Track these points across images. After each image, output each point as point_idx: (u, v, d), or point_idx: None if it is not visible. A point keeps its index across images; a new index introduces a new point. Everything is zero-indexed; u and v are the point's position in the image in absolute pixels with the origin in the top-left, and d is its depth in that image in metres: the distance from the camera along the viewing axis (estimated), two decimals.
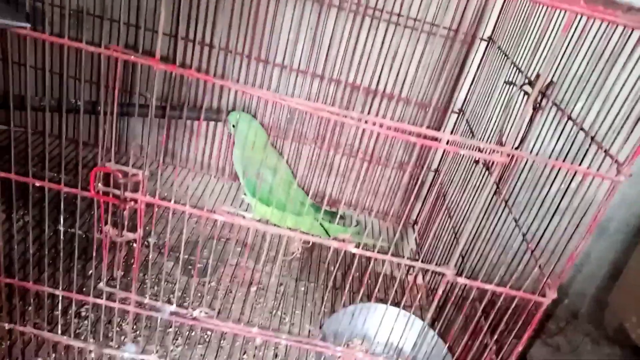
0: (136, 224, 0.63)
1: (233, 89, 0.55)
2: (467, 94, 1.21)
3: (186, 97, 1.25)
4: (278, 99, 0.53)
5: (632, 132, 0.62)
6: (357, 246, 0.64)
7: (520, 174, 0.85)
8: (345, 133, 1.28)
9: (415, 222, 1.36)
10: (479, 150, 0.59)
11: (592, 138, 0.68)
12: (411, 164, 1.33)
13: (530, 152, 0.85)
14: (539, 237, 0.74)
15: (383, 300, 1.06)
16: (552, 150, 0.88)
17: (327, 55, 1.19)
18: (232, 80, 1.20)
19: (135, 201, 0.61)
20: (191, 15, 1.16)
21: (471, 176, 1.04)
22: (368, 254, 0.65)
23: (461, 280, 0.65)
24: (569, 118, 0.73)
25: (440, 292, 0.67)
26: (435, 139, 0.56)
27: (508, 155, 0.57)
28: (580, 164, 0.70)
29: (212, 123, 1.29)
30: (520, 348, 0.71)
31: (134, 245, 0.65)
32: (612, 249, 1.42)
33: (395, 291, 1.07)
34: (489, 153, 0.59)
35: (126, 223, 0.63)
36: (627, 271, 1.38)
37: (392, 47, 1.17)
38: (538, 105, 0.81)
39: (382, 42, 1.16)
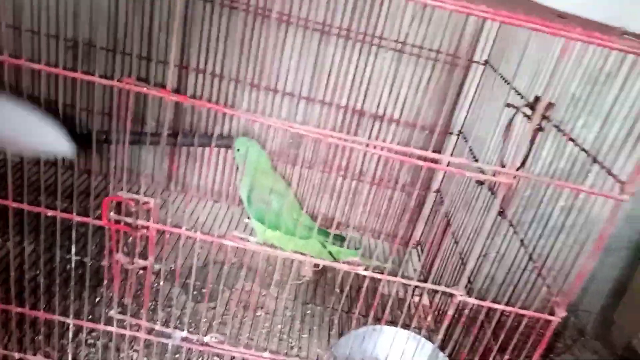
0: (147, 251, 0.64)
1: (243, 118, 0.56)
2: (466, 116, 1.23)
3: (197, 125, 1.26)
4: (287, 127, 0.55)
5: (633, 150, 0.63)
6: (366, 269, 0.65)
7: (523, 195, 0.87)
8: (347, 156, 1.29)
9: (419, 243, 1.37)
10: (482, 172, 0.60)
11: (595, 159, 0.69)
12: (411, 185, 1.34)
13: (532, 172, 0.86)
14: (545, 256, 0.75)
15: (392, 323, 1.05)
16: (555, 170, 0.90)
17: (328, 81, 1.21)
18: (240, 108, 1.23)
19: (147, 229, 0.62)
20: (197, 44, 1.18)
21: (474, 197, 1.05)
22: (378, 276, 0.65)
23: (471, 300, 0.66)
24: (571, 139, 0.75)
25: (450, 312, 0.67)
26: (436, 161, 0.57)
27: (513, 177, 0.58)
28: (582, 183, 0.71)
29: (221, 150, 1.30)
30: None
31: (142, 272, 0.66)
32: (616, 266, 1.43)
33: (404, 313, 1.07)
34: (494, 175, 0.60)
35: (137, 251, 0.63)
36: (632, 287, 1.38)
37: (391, 72, 1.19)
38: (539, 126, 0.83)
39: (382, 68, 1.18)
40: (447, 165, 0.63)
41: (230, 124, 1.28)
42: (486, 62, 1.18)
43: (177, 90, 0.56)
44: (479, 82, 1.20)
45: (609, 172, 0.64)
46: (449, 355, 0.88)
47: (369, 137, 1.26)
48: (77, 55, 0.56)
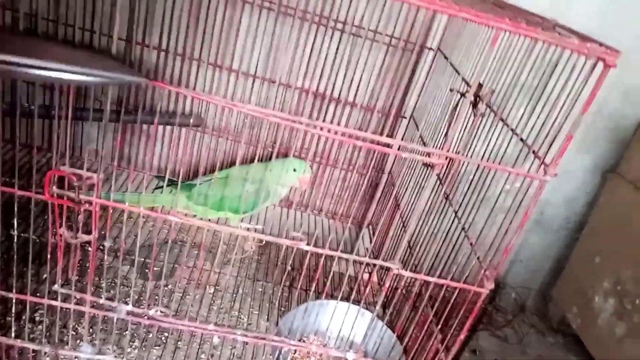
0: (91, 227, 0.65)
1: (187, 95, 0.57)
2: (417, 100, 1.26)
3: (155, 104, 1.25)
4: (229, 105, 0.56)
5: (557, 135, 0.67)
6: (309, 243, 0.67)
7: (464, 176, 0.91)
8: (302, 138, 1.31)
9: (371, 222, 1.41)
10: (419, 153, 0.63)
11: (522, 140, 0.73)
12: (365, 167, 1.38)
13: (471, 155, 0.90)
14: (479, 233, 0.79)
15: (335, 297, 1.09)
16: (497, 155, 0.94)
17: (285, 63, 1.22)
18: (192, 88, 1.23)
19: (90, 203, 0.62)
20: (148, 21, 1.17)
21: (422, 179, 1.09)
22: (320, 251, 0.68)
23: (406, 273, 0.70)
24: (502, 120, 0.79)
25: (387, 284, 0.71)
26: (377, 143, 0.60)
27: (446, 157, 0.62)
28: (521, 167, 0.75)
29: (167, 127, 1.29)
30: (462, 336, 0.75)
31: (89, 248, 0.66)
32: (555, 245, 1.52)
33: (350, 288, 1.11)
34: (429, 156, 0.63)
35: (81, 225, 0.64)
36: (569, 265, 1.47)
37: (346, 56, 1.21)
38: (478, 111, 0.87)
39: (338, 51, 1.20)
40: (389, 147, 0.65)
41: (184, 103, 1.28)
42: (437, 49, 1.22)
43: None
44: (430, 68, 1.23)
45: (534, 153, 0.68)
46: (391, 326, 0.92)
47: (324, 120, 1.28)
48: (18, 25, 0.55)
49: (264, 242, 1.20)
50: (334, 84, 1.23)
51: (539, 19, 0.72)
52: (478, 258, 0.73)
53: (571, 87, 0.70)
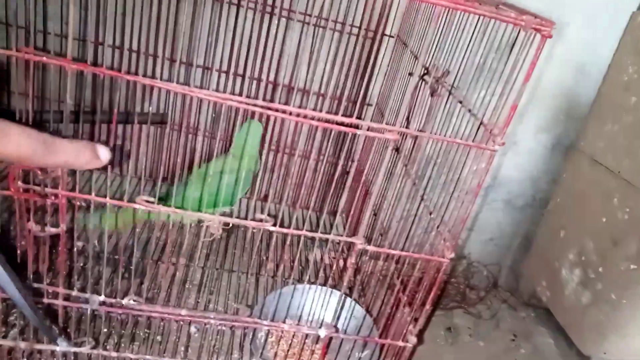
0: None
1: (142, 82, 0.59)
2: (381, 87, 1.30)
3: (99, 100, 1.25)
4: (185, 91, 0.58)
5: (503, 106, 0.70)
6: (275, 225, 0.70)
7: (431, 159, 0.94)
8: (272, 129, 1.33)
9: (343, 211, 1.44)
10: (372, 129, 0.66)
11: (471, 111, 0.76)
12: (335, 157, 1.40)
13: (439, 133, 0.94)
14: (440, 208, 0.82)
15: (308, 281, 1.12)
16: (457, 134, 0.98)
17: (248, 55, 1.24)
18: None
19: (56, 196, 0.63)
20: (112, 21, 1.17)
21: (390, 164, 1.12)
22: (285, 230, 0.70)
23: (370, 247, 0.72)
24: (450, 93, 0.82)
25: (352, 260, 0.73)
26: (343, 124, 0.63)
27: (398, 133, 0.65)
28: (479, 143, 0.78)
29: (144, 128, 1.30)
30: (428, 306, 0.79)
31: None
32: (523, 222, 1.57)
33: (324, 272, 1.13)
34: (383, 132, 0.66)
35: (49, 218, 0.65)
36: (536, 241, 1.52)
37: (307, 46, 1.23)
38: (435, 91, 0.90)
39: (300, 42, 1.22)
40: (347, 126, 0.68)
41: (150, 100, 1.29)
42: (397, 36, 1.25)
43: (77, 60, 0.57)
44: (390, 55, 1.27)
45: (482, 124, 0.71)
46: (364, 304, 0.95)
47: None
48: None
49: (230, 225, 1.22)
50: (299, 75, 1.26)
51: None
52: (437, 227, 0.76)
53: (521, 62, 0.73)
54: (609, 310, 1.20)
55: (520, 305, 1.49)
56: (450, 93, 0.85)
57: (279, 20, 1.21)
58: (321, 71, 1.25)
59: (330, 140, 1.37)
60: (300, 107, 0.61)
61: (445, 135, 0.90)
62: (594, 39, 1.33)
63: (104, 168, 0.49)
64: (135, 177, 1.32)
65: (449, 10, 0.87)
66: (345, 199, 1.43)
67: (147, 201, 0.65)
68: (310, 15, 1.21)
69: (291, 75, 1.26)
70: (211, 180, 1.14)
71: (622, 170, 1.24)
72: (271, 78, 1.27)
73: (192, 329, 0.98)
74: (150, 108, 1.21)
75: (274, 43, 1.22)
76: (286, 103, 1.28)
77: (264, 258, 1.25)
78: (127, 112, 1.23)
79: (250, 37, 1.21)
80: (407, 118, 0.99)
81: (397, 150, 1.04)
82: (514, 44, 0.72)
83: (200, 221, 1.18)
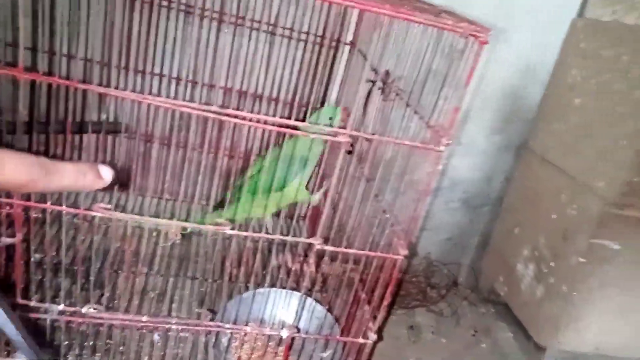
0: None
1: (96, 91, 0.60)
2: (338, 93, 1.33)
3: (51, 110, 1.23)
4: (139, 98, 0.59)
5: (448, 111, 0.73)
6: (233, 228, 0.71)
7: (389, 161, 0.97)
8: (231, 136, 1.34)
9: (305, 216, 1.46)
10: (324, 134, 0.69)
11: (417, 113, 0.80)
12: None
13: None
14: (394, 206, 0.86)
15: (269, 285, 1.13)
16: (411, 136, 1.02)
17: (205, 64, 1.25)
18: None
19: (11, 206, 0.63)
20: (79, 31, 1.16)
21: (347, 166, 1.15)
22: (243, 234, 0.72)
23: (328, 247, 0.75)
24: (397, 94, 0.86)
25: (311, 260, 0.76)
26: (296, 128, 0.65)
27: (349, 136, 0.68)
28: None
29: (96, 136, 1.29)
30: (386, 302, 0.81)
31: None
32: (479, 221, 1.63)
33: (287, 275, 1.14)
34: (335, 136, 0.69)
35: (4, 228, 0.65)
36: (493, 239, 1.58)
37: (265, 54, 1.26)
38: (386, 96, 0.94)
39: (256, 50, 1.24)
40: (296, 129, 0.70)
41: (107, 110, 1.28)
42: (352, 43, 1.29)
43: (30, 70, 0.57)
44: (347, 62, 1.30)
45: (428, 125, 0.75)
46: (327, 304, 0.97)
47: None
48: None
49: (188, 229, 1.22)
50: (257, 82, 1.28)
51: (429, 6, 0.80)
52: (392, 226, 0.79)
53: (463, 67, 0.77)
54: (562, 303, 1.26)
55: (480, 302, 1.54)
56: (397, 95, 0.89)
57: (235, 28, 1.22)
58: (279, 78, 1.27)
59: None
60: (253, 112, 0.63)
61: (398, 138, 0.94)
62: (540, 43, 1.40)
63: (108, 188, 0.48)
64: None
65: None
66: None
67: (105, 208, 0.66)
68: (276, 26, 1.23)
69: (250, 83, 1.28)
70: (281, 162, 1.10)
71: (569, 168, 1.31)
72: (229, 85, 1.28)
73: (155, 337, 0.98)
74: (105, 116, 1.20)
75: (231, 51, 1.24)
76: (238, 109, 1.30)
77: (224, 263, 1.25)
78: (81, 122, 1.22)
79: (207, 45, 1.23)
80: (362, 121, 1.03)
81: (350, 152, 1.07)
82: (463, 51, 0.76)
83: (157, 228, 1.18)
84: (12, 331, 0.57)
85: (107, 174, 0.44)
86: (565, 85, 1.38)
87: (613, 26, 1.31)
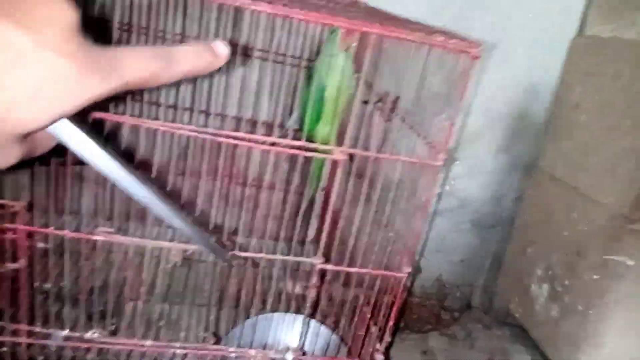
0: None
1: (92, 116, 0.61)
2: None
3: None
4: (115, 119, 0.61)
5: (442, 129, 0.74)
6: (234, 252, 0.72)
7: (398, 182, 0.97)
8: (233, 161, 1.36)
9: (313, 240, 1.46)
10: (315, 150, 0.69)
11: (413, 128, 0.80)
12: (301, 185, 1.43)
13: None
14: (395, 223, 0.85)
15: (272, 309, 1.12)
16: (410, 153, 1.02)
17: (202, 91, 1.28)
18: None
19: (14, 231, 0.65)
20: None
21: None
22: (245, 254, 0.72)
23: (329, 266, 0.74)
24: (392, 110, 0.86)
25: (314, 280, 0.75)
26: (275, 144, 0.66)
27: (345, 153, 0.68)
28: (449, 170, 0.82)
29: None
30: (392, 322, 0.80)
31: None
32: (491, 241, 1.60)
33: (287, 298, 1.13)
34: (332, 154, 0.69)
35: (8, 254, 0.66)
36: (506, 259, 1.55)
37: (255, 78, 1.28)
38: (387, 116, 0.95)
39: (244, 75, 1.27)
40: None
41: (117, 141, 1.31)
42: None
43: None
44: None
45: (427, 143, 0.75)
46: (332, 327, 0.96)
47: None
48: None
49: (190, 251, 1.22)
50: (261, 108, 1.30)
51: (423, 26, 0.81)
52: (394, 243, 0.78)
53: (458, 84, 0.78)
54: (579, 321, 1.23)
55: (495, 324, 1.51)
56: (392, 111, 0.89)
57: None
58: (275, 102, 1.30)
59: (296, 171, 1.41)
60: (248, 133, 0.64)
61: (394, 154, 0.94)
62: (542, 61, 1.41)
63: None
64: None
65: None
66: (314, 226, 1.45)
67: (107, 232, 0.67)
68: (268, 52, 1.26)
69: (246, 107, 1.31)
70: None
71: (579, 184, 1.29)
72: (229, 112, 1.31)
73: None
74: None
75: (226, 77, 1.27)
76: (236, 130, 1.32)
77: (226, 287, 1.24)
78: None
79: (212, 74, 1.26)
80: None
81: (349, 171, 1.07)
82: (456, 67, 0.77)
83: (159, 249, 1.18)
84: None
85: (223, 50, 0.40)
86: (569, 103, 1.37)
87: (613, 42, 1.31)
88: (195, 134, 0.63)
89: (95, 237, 0.67)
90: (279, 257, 0.74)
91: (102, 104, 0.36)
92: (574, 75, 1.38)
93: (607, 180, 1.20)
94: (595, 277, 1.19)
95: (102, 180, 1.27)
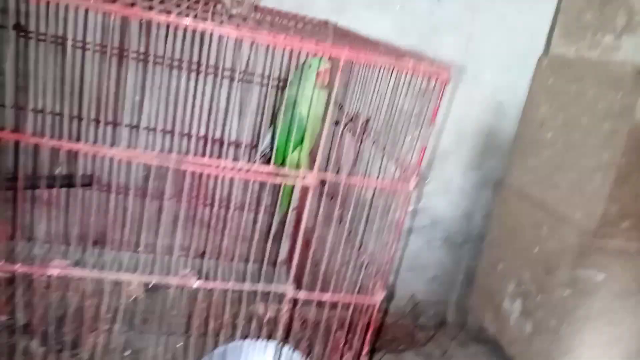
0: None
1: (48, 145, 0.58)
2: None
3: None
4: (92, 150, 0.58)
5: (414, 151, 0.73)
6: (199, 278, 0.68)
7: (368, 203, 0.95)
8: (204, 184, 1.33)
9: (285, 261, 1.43)
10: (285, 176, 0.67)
11: (384, 150, 0.79)
12: (273, 206, 1.41)
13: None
14: (367, 248, 0.84)
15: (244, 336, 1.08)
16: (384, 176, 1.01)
17: (177, 113, 1.25)
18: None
19: None
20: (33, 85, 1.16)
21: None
22: (211, 285, 0.69)
23: (301, 294, 0.72)
24: (363, 132, 0.85)
25: (285, 309, 0.73)
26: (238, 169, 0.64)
27: (317, 178, 0.67)
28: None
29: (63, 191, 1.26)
30: (366, 349, 0.78)
31: None
32: (463, 258, 1.61)
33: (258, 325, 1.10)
34: (303, 178, 0.68)
35: None
36: (478, 276, 1.56)
37: (237, 99, 1.26)
38: (356, 137, 0.94)
39: (228, 96, 1.25)
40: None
41: (75, 165, 1.26)
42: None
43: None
44: None
45: (398, 164, 0.74)
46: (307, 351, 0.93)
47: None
48: None
49: (151, 284, 1.17)
50: (230, 128, 1.27)
51: (394, 49, 0.81)
52: (366, 268, 0.77)
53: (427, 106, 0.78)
54: (551, 337, 1.23)
55: (470, 341, 1.50)
56: (365, 134, 0.88)
57: (205, 77, 1.23)
58: (252, 123, 1.27)
59: (267, 191, 1.38)
60: (216, 157, 0.61)
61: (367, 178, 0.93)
62: (510, 81, 1.44)
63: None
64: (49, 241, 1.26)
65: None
66: (286, 247, 1.43)
67: (62, 266, 0.63)
68: (242, 72, 1.24)
69: (222, 129, 1.28)
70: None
71: (547, 201, 1.31)
72: (202, 133, 1.28)
73: None
74: (60, 169, 1.17)
75: (202, 98, 1.24)
76: (220, 156, 1.29)
77: (191, 316, 1.20)
78: (33, 177, 1.19)
79: (178, 93, 1.23)
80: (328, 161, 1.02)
81: (321, 194, 1.05)
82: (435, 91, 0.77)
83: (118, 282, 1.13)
84: None
85: None
86: (535, 120, 1.40)
87: (577, 62, 1.34)
88: (158, 162, 0.61)
89: (49, 272, 0.63)
90: (246, 286, 0.71)
91: None
92: (539, 94, 1.40)
93: (574, 196, 1.21)
94: (565, 293, 1.19)
95: (56, 204, 1.21)
